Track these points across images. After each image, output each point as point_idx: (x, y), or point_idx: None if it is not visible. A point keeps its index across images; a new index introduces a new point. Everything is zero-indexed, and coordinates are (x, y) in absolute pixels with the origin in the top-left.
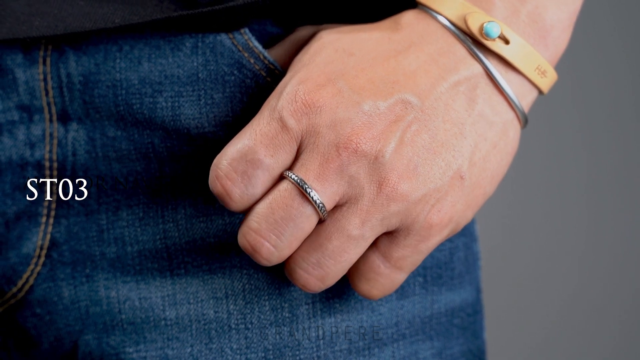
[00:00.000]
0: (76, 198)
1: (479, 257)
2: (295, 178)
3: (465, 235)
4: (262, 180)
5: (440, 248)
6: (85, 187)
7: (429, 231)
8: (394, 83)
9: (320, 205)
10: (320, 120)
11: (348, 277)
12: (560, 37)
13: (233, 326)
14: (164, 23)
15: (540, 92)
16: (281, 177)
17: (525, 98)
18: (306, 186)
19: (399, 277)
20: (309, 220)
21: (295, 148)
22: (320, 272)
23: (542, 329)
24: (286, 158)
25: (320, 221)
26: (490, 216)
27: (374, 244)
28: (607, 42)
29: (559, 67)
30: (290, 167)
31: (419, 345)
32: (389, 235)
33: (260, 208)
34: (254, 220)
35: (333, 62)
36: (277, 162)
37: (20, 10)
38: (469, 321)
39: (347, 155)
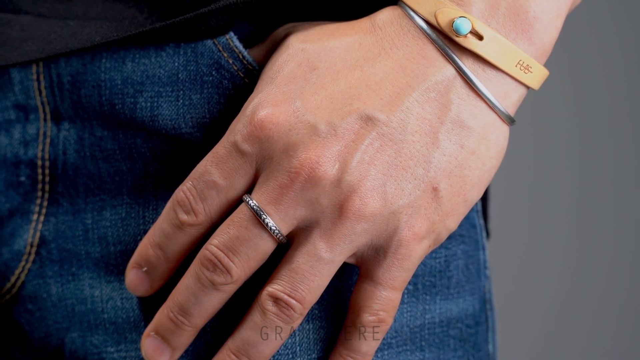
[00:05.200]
0: (66, 197)
1: (487, 266)
2: (252, 203)
3: (466, 243)
4: (216, 202)
5: (434, 255)
6: (74, 186)
7: (407, 249)
8: (354, 98)
9: (276, 230)
10: (273, 144)
11: (353, 317)
12: (547, 30)
13: (208, 330)
14: (138, 37)
15: (529, 88)
16: (241, 201)
17: (509, 97)
18: (260, 211)
19: (398, 295)
20: (266, 244)
21: (252, 172)
22: (297, 295)
23: (551, 337)
24: (241, 182)
25: (281, 246)
26: (499, 221)
27: (360, 275)
28: (605, 37)
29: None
30: (251, 191)
31: (407, 355)
32: (371, 260)
33: (220, 230)
34: (213, 243)
35: (295, 79)
36: (231, 185)
37: (15, 35)
38: (468, 333)
39: (301, 181)
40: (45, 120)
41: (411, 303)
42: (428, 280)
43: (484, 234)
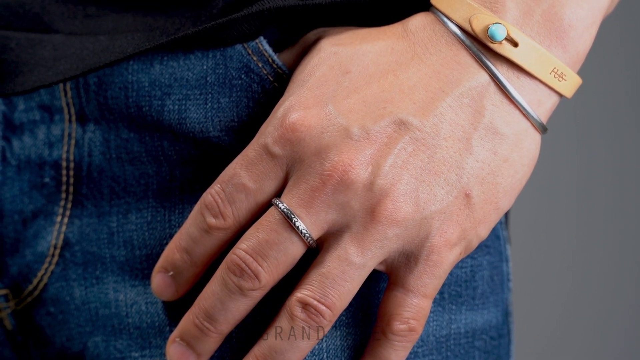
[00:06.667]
0: (90, 199)
1: (510, 278)
2: (282, 206)
3: (491, 254)
4: (245, 205)
5: (460, 265)
6: (99, 188)
7: (438, 255)
8: (388, 102)
9: (306, 234)
10: (305, 147)
11: (383, 325)
12: (581, 38)
13: (234, 335)
14: (170, 44)
15: (562, 96)
16: (270, 204)
17: (542, 104)
18: (291, 215)
19: (429, 303)
20: (296, 248)
21: (282, 175)
22: (327, 301)
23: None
24: (271, 185)
25: (310, 250)
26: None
27: (390, 282)
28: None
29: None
30: (280, 194)
31: None
32: (402, 266)
33: (248, 234)
34: (241, 247)
35: (327, 82)
36: (261, 188)
37: (47, 55)
38: (492, 345)
39: (333, 184)
40: (70, 121)
41: (437, 312)
42: (454, 289)
43: (508, 246)
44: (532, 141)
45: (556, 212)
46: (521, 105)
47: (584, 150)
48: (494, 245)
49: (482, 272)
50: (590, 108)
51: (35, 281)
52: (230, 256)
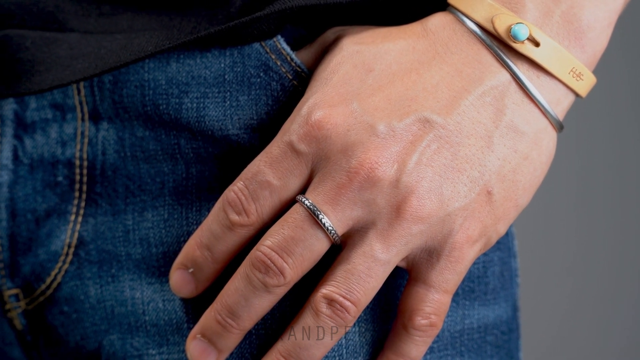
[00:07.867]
0: (105, 197)
1: (517, 274)
2: (308, 203)
3: (502, 250)
4: (269, 202)
5: (474, 261)
6: (113, 187)
7: (460, 251)
8: (412, 100)
9: (332, 230)
10: (331, 144)
11: (404, 321)
12: (598, 38)
13: (253, 332)
14: (193, 43)
15: (577, 95)
16: (294, 201)
17: (560, 103)
18: (317, 211)
19: (449, 299)
20: (321, 244)
21: (307, 172)
22: (352, 297)
23: (582, 349)
24: (295, 182)
25: (334, 246)
26: (529, 231)
27: (411, 278)
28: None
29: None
30: (304, 192)
31: None
32: (423, 262)
33: (273, 231)
34: (265, 244)
35: (350, 80)
36: (285, 185)
37: (64, 54)
38: (503, 339)
39: (359, 181)
40: (82, 119)
41: (452, 308)
42: (467, 285)
43: (515, 242)
44: (550, 139)
45: (557, 206)
46: (541, 104)
47: (584, 147)
48: (503, 241)
49: (493, 268)
50: (591, 106)
51: (48, 280)
52: (255, 253)
